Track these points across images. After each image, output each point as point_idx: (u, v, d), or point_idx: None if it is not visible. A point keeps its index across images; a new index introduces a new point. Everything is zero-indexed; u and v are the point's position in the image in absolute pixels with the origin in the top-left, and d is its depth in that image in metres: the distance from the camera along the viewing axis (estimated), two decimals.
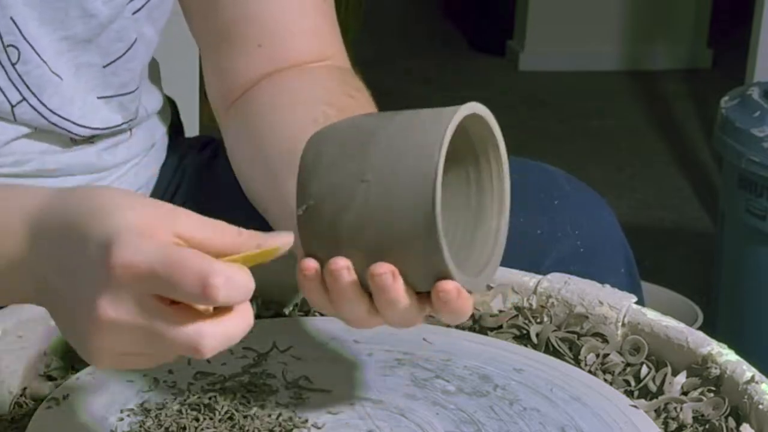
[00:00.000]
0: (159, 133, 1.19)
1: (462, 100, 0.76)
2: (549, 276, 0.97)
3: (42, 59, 1.02)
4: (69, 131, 1.06)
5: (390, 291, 0.74)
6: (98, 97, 1.07)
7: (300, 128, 0.92)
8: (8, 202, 0.75)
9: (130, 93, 1.09)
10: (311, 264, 0.77)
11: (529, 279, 0.97)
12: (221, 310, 0.68)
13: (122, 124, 1.10)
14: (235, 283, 0.67)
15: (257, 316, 0.95)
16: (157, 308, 0.67)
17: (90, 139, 1.09)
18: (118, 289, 0.67)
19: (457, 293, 0.74)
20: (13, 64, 1.01)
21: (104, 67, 1.06)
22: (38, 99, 1.03)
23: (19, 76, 1.01)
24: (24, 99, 1.02)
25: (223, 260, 0.68)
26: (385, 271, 0.74)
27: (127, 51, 1.07)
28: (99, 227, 0.68)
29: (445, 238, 0.73)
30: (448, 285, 0.74)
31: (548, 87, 4.24)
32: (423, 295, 0.76)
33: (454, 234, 0.80)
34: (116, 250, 0.66)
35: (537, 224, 1.08)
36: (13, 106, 1.02)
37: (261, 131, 1.02)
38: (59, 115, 1.04)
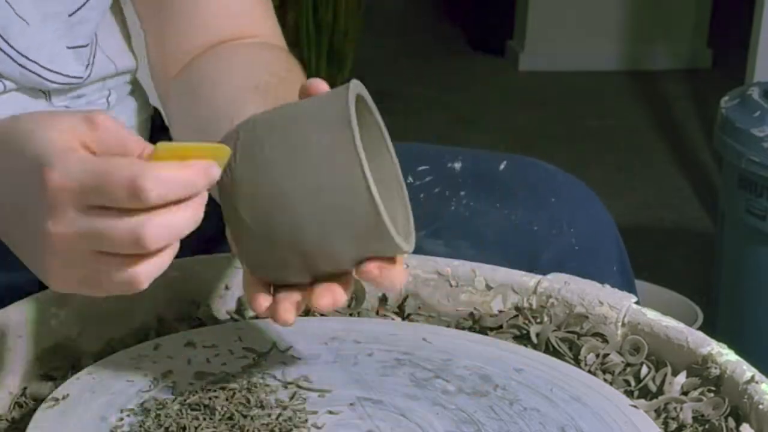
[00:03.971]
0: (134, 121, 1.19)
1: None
2: (549, 276, 0.98)
3: (6, 1, 1.01)
4: (40, 76, 1.05)
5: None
6: (68, 47, 1.07)
7: (240, 92, 0.93)
8: None
9: (86, 46, 1.10)
10: (263, 303, 0.80)
11: (529, 279, 0.97)
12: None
13: (87, 78, 1.10)
14: (165, 180, 0.69)
15: (256, 317, 0.95)
16: (99, 211, 0.70)
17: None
18: (57, 207, 0.71)
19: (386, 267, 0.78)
20: None
21: (69, 15, 1.06)
22: (5, 40, 1.02)
23: None
24: None
25: (161, 149, 0.70)
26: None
27: None
28: (31, 151, 0.72)
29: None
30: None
31: (548, 87, 4.24)
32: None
33: None
34: (48, 174, 0.71)
35: (533, 221, 1.09)
36: None
37: (201, 98, 1.04)
38: (27, 57, 1.04)
